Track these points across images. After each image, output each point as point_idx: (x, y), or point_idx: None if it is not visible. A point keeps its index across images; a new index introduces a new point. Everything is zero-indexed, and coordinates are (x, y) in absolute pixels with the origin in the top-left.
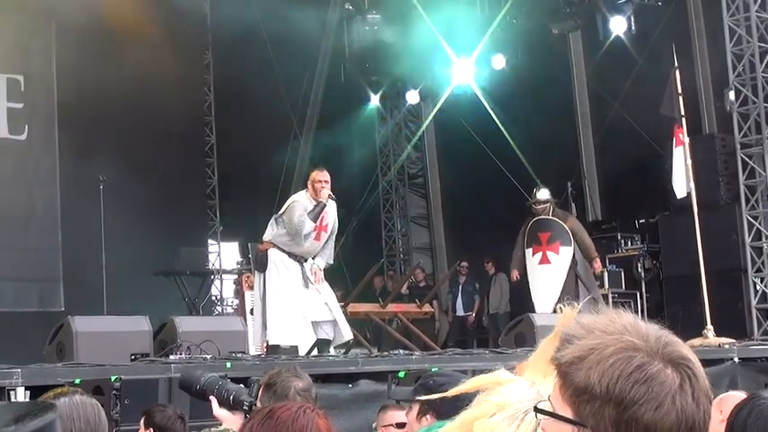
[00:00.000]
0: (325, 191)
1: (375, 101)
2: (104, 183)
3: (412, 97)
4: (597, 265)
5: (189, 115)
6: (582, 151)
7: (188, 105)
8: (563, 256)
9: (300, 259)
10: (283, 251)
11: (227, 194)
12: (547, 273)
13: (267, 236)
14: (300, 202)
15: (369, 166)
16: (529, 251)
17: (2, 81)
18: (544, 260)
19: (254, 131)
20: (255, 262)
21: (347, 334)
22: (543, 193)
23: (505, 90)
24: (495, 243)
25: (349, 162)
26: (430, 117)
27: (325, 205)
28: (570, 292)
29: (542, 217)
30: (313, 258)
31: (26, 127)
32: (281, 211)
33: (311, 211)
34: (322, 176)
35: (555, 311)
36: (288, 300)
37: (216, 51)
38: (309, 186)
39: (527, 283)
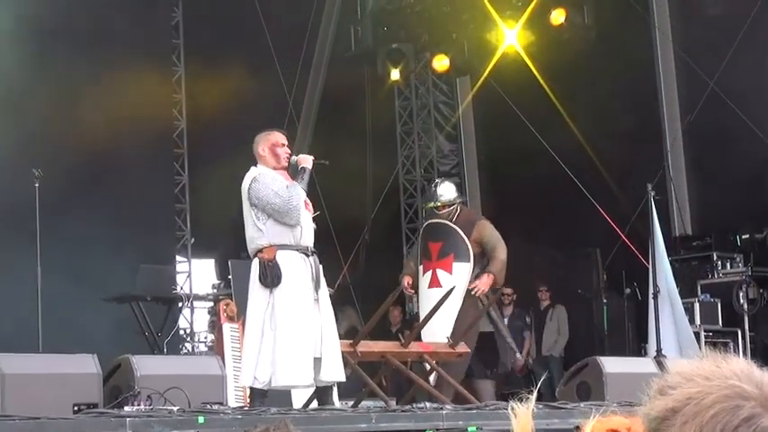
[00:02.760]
0: (293, 157)
1: (395, 75)
2: (41, 180)
3: (443, 68)
4: (479, 282)
5: (151, 91)
6: (666, 144)
7: (150, 77)
8: (458, 277)
9: (307, 252)
10: (289, 246)
11: (200, 196)
12: (437, 300)
13: (261, 240)
14: (266, 174)
15: (387, 161)
16: (420, 268)
17: None
18: (434, 282)
19: (238, 114)
20: (265, 276)
21: (338, 374)
22: (447, 189)
23: (566, 62)
24: (552, 265)
25: (360, 156)
26: (468, 97)
27: (310, 170)
28: (474, 331)
29: (435, 220)
30: (314, 253)
31: None
32: (249, 200)
33: (299, 177)
34: (284, 139)
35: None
36: (302, 324)
37: (187, 8)
38: (268, 153)
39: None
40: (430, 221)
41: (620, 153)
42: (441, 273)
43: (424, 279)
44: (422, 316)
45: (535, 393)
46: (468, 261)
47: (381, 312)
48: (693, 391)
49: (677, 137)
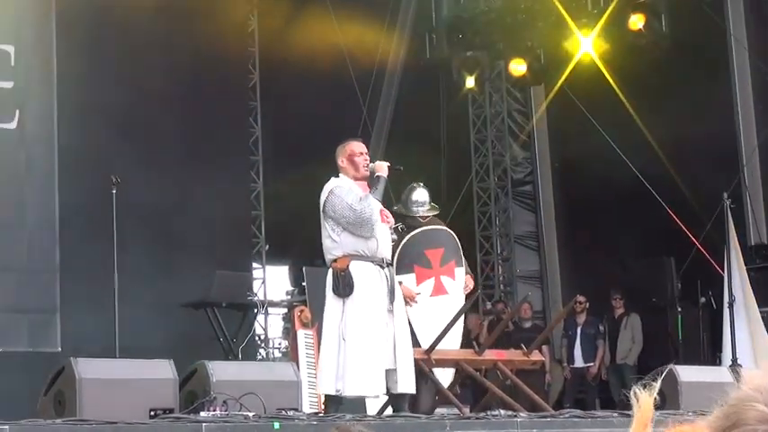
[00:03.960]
0: (370, 165)
1: (470, 83)
2: (118, 186)
3: (519, 73)
4: (467, 281)
5: (227, 100)
6: (742, 152)
7: (225, 87)
8: (459, 282)
9: (381, 263)
10: (363, 257)
11: (275, 203)
12: (444, 308)
13: (335, 251)
14: (343, 187)
15: (460, 169)
16: (408, 277)
17: None
18: (438, 290)
19: (312, 122)
20: (338, 286)
21: (409, 386)
22: (423, 195)
23: (641, 70)
24: (626, 273)
25: (435, 164)
26: (543, 106)
27: (386, 179)
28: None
29: (430, 227)
30: (390, 264)
31: (16, 112)
32: (325, 212)
33: (374, 188)
34: (362, 147)
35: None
36: (372, 334)
37: (263, 15)
38: (347, 164)
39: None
40: (423, 228)
41: (695, 161)
42: (445, 280)
43: (423, 288)
44: (420, 325)
45: (659, 382)
46: (463, 265)
47: (455, 320)
48: (728, 410)
49: (753, 144)
